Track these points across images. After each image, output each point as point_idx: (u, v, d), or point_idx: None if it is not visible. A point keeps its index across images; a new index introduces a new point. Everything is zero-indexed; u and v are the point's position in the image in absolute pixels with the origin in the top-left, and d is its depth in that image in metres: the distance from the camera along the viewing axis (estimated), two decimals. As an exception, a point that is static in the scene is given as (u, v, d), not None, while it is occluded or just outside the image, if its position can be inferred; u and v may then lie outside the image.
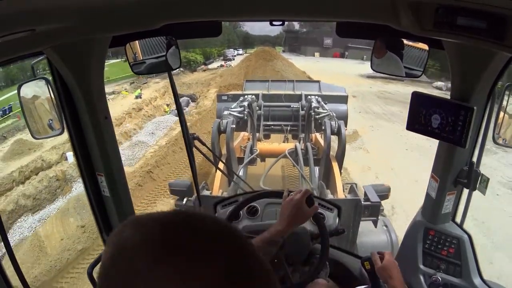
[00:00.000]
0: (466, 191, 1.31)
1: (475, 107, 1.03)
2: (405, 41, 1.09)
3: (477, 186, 1.23)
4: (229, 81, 18.83)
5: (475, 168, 1.22)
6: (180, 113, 1.72)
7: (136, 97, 16.81)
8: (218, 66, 29.38)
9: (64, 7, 0.79)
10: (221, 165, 4.34)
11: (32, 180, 9.38)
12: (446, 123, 1.08)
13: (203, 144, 2.02)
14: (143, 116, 13.92)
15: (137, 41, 1.16)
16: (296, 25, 38.50)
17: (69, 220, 6.99)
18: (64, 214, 7.28)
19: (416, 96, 1.15)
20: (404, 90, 18.00)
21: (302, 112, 6.37)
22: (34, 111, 1.23)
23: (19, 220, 8.14)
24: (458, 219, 1.36)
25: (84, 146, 1.26)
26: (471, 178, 1.22)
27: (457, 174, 1.23)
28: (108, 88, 15.96)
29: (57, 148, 10.66)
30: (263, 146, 6.10)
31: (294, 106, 6.53)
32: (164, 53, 1.20)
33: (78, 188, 8.68)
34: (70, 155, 10.08)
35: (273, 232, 1.04)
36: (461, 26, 0.75)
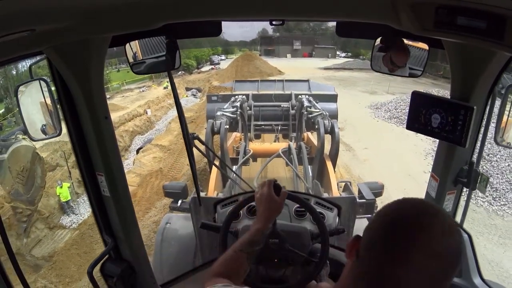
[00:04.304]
0: (466, 191, 1.31)
1: (475, 107, 1.03)
2: (405, 41, 1.09)
3: (477, 185, 1.23)
4: (225, 76, 26.56)
5: (475, 167, 1.22)
6: (180, 113, 1.72)
7: (164, 88, 25.04)
8: (209, 69, 36.52)
9: (64, 7, 0.79)
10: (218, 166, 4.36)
11: (134, 120, 18.02)
12: (446, 123, 1.08)
13: (203, 143, 2.02)
14: (174, 98, 22.91)
15: (137, 41, 1.16)
16: (270, 30, 44.99)
17: (165, 135, 15.18)
18: (165, 131, 15.67)
19: (416, 95, 1.15)
20: (348, 74, 28.58)
21: (292, 112, 6.38)
22: (31, 113, 1.22)
23: (136, 137, 16.72)
24: (458, 218, 1.36)
25: (84, 146, 1.26)
26: (471, 177, 1.22)
27: (457, 173, 1.23)
28: (139, 84, 28.58)
29: (141, 106, 20.17)
30: (255, 146, 6.08)
31: (284, 106, 6.54)
32: (164, 53, 1.20)
33: (158, 126, 18.33)
34: (149, 110, 19.99)
35: (253, 232, 1.04)
36: (461, 26, 0.76)
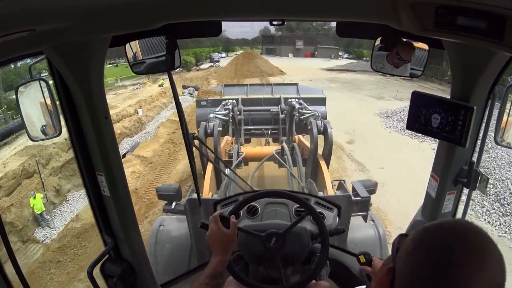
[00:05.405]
0: (466, 191, 1.31)
1: (475, 107, 1.03)
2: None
3: (477, 185, 1.23)
4: (224, 74, 26.09)
5: (475, 167, 1.22)
6: (180, 113, 1.72)
7: (159, 86, 24.38)
8: (208, 67, 35.39)
9: (64, 7, 0.79)
10: (213, 168, 4.41)
11: (123, 121, 16.49)
12: (446, 123, 1.08)
13: (203, 143, 2.02)
14: (169, 96, 21.27)
15: (137, 41, 1.16)
16: (272, 29, 45.02)
17: (151, 142, 13.72)
18: (152, 137, 14.44)
19: (416, 95, 1.15)
20: (352, 76, 27.59)
21: (282, 116, 6.46)
22: (31, 113, 1.22)
23: (124, 140, 15.04)
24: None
25: (84, 146, 1.26)
26: (471, 177, 1.22)
27: (457, 173, 1.23)
28: (133, 81, 26.63)
29: (132, 106, 18.85)
30: (246, 150, 6.14)
31: (274, 110, 6.63)
32: (164, 53, 1.20)
33: (149, 128, 16.80)
34: (140, 110, 18.46)
35: (214, 265, 1.06)
36: (461, 26, 0.76)
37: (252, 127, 6.65)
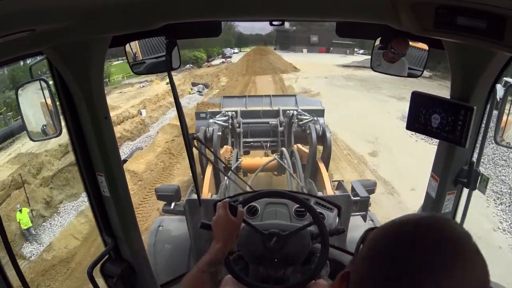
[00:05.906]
0: (466, 191, 1.31)
1: (475, 107, 1.03)
2: (405, 41, 1.09)
3: (477, 185, 1.23)
4: (235, 71, 24.97)
5: (475, 167, 1.22)
6: (180, 113, 1.72)
7: (167, 84, 22.22)
8: (220, 63, 34.16)
9: (64, 7, 0.79)
10: (212, 169, 4.44)
11: (125, 123, 15.17)
12: (446, 123, 1.08)
13: (203, 143, 2.02)
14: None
15: (137, 41, 1.16)
16: (287, 24, 43.17)
17: (146, 151, 12.28)
18: (149, 146, 13.02)
19: (416, 95, 1.15)
20: (369, 74, 24.10)
21: (281, 129, 6.53)
22: (31, 113, 1.22)
23: (124, 143, 13.68)
24: (458, 219, 1.36)
25: (84, 146, 1.26)
26: (471, 178, 1.22)
27: (457, 173, 1.23)
28: (140, 79, 24.45)
29: (134, 106, 17.47)
30: (245, 161, 6.20)
31: (273, 122, 6.70)
32: (164, 53, 1.20)
33: (152, 130, 15.13)
34: (143, 111, 17.14)
35: (214, 252, 1.05)
36: (461, 26, 0.76)
37: (251, 140, 6.70)
